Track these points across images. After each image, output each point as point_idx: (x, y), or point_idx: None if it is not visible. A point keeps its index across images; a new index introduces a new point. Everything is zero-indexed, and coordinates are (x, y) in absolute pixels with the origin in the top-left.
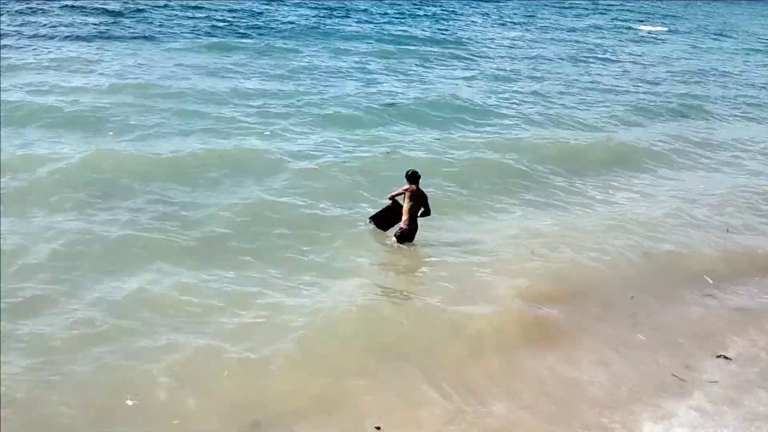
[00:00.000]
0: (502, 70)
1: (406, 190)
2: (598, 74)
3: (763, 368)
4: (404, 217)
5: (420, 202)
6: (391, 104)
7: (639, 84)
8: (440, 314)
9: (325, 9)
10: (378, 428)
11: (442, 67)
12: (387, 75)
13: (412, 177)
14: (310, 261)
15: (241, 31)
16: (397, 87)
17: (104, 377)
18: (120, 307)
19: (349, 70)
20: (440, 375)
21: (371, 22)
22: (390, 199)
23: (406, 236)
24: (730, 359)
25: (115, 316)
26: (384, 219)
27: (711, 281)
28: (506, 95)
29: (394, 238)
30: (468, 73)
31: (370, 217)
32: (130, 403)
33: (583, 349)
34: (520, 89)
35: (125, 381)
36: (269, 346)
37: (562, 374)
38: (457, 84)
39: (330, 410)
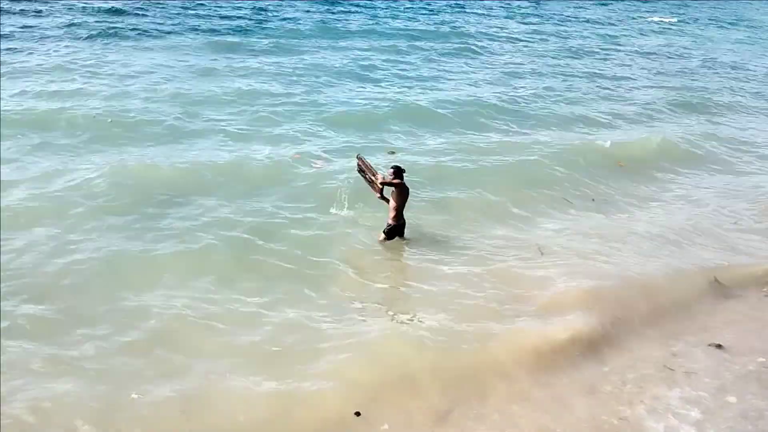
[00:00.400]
0: (513, 66)
1: (398, 184)
2: (614, 68)
3: (756, 358)
4: (392, 213)
5: (406, 198)
6: (402, 104)
7: (657, 78)
8: (455, 326)
9: (330, 4)
10: (357, 413)
11: (452, 64)
12: (396, 73)
13: (400, 172)
14: (332, 276)
15: (246, 28)
16: (407, 86)
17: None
18: (141, 321)
19: (357, 69)
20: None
21: (378, 17)
22: (381, 184)
23: (396, 232)
24: (723, 347)
25: (136, 330)
26: (365, 175)
27: (727, 264)
28: (521, 93)
29: (382, 235)
30: (479, 71)
31: (360, 158)
32: (135, 396)
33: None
34: (535, 86)
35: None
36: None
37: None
38: (468, 82)
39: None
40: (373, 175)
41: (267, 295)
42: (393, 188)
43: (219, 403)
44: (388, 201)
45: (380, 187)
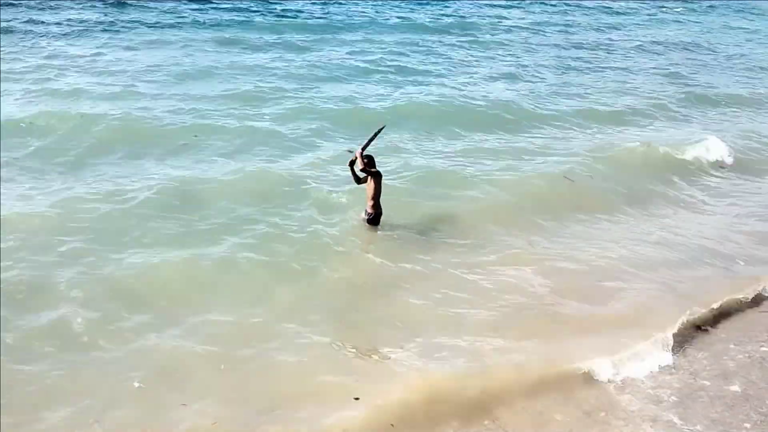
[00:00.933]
0: (524, 59)
1: (375, 172)
2: (626, 61)
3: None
4: (370, 203)
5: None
6: (413, 103)
7: (671, 70)
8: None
9: None
10: (357, 398)
11: (460, 59)
12: (405, 69)
13: (373, 161)
14: (347, 290)
15: (249, 21)
16: (416, 83)
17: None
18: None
19: (364, 65)
20: None
21: (381, 8)
22: (361, 170)
23: (374, 221)
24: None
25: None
26: (368, 141)
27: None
28: (537, 89)
29: (366, 224)
30: (488, 66)
31: (381, 131)
32: (136, 385)
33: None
34: (549, 81)
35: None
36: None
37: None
38: (477, 78)
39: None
40: (362, 149)
41: (281, 308)
42: (369, 177)
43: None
44: (353, 173)
45: (355, 158)
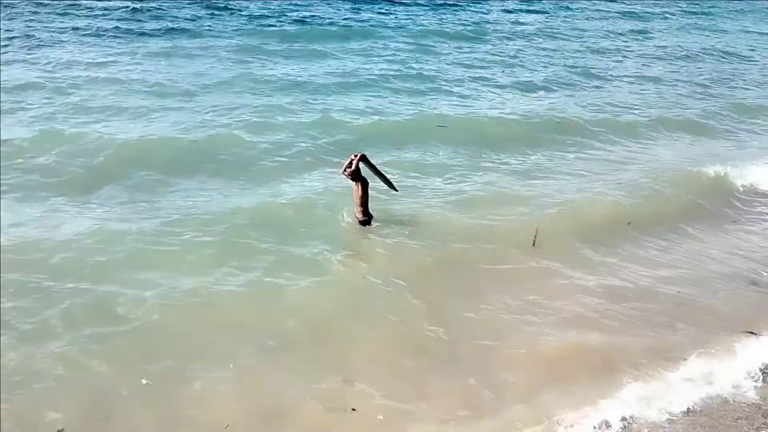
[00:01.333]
0: (546, 70)
1: (362, 179)
2: (652, 69)
3: None
4: (359, 209)
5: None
6: (435, 117)
7: (695, 76)
8: None
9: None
10: (354, 409)
11: (480, 69)
12: (425, 80)
13: (359, 169)
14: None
15: (268, 28)
16: (441, 101)
17: None
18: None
19: (384, 76)
20: None
21: (397, 13)
22: (351, 171)
23: (365, 224)
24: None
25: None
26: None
27: None
28: (568, 103)
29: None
30: (512, 77)
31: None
32: (144, 381)
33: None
34: (581, 95)
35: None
36: None
37: None
38: (497, 92)
39: None
40: (365, 161)
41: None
42: (357, 183)
43: None
44: (345, 165)
45: (354, 158)
